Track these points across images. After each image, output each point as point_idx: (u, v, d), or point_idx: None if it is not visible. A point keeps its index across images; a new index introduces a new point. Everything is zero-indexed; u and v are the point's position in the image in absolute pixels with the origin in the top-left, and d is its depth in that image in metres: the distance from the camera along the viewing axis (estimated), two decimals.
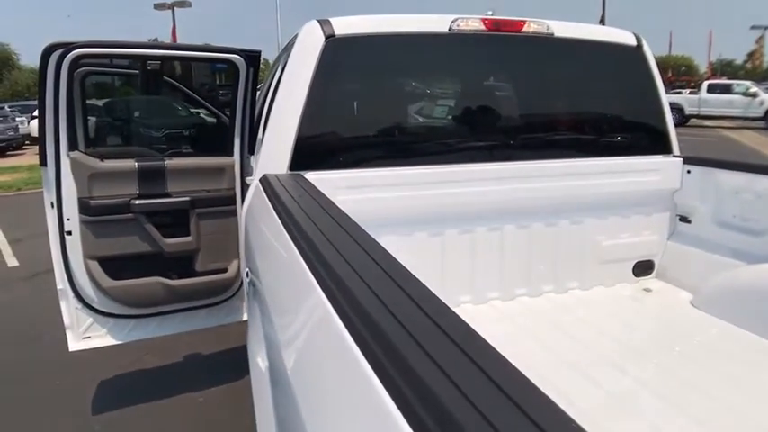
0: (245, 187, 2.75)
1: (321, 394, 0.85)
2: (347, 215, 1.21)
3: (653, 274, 2.70)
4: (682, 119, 21.03)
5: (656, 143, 2.65)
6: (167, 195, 2.63)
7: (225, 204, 2.75)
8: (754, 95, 21.00)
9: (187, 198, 2.64)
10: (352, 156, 2.13)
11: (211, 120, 3.75)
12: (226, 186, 2.75)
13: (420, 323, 0.73)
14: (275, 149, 1.97)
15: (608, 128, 2.64)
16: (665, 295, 2.53)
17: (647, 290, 2.58)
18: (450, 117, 2.54)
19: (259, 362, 1.36)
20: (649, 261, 2.69)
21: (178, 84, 3.41)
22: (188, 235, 2.70)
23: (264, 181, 1.80)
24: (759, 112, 20.59)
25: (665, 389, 1.67)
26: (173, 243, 2.67)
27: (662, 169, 2.60)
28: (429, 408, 0.57)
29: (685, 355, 1.91)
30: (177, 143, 4.11)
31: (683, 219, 2.67)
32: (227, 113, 2.81)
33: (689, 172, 2.61)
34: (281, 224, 1.24)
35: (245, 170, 2.79)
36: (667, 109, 2.67)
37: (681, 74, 51.83)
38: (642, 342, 2.04)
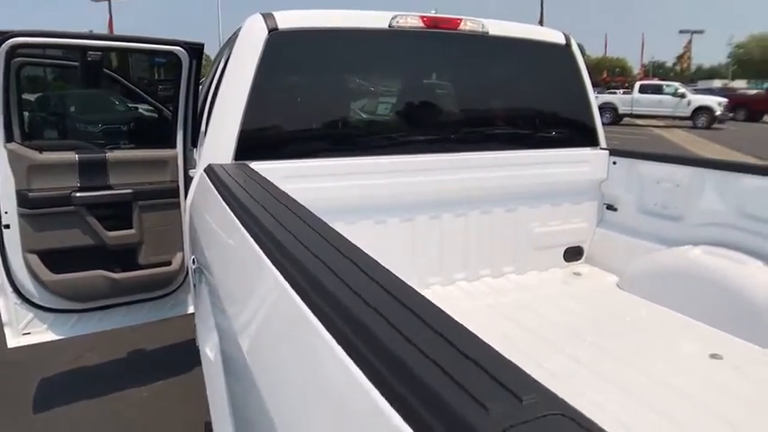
0: (188, 179, 2.77)
1: (284, 375, 0.86)
2: (295, 200, 1.28)
3: (582, 259, 2.89)
4: (615, 117, 22.03)
5: (584, 136, 2.83)
6: (109, 188, 2.62)
7: (168, 197, 2.77)
8: (683, 96, 22.23)
9: (129, 190, 2.64)
10: (296, 147, 2.20)
11: (151, 114, 3.73)
12: (169, 179, 2.76)
13: (376, 293, 0.77)
14: (220, 140, 2.02)
15: (539, 122, 2.81)
16: (593, 278, 2.73)
17: (577, 274, 2.77)
18: (389, 110, 2.65)
19: (209, 351, 1.39)
20: (579, 247, 2.88)
21: (120, 77, 3.37)
22: (131, 227, 2.70)
23: (209, 170, 1.85)
24: (687, 112, 21.81)
25: (600, 365, 1.81)
26: (115, 236, 2.66)
27: (590, 161, 2.79)
28: (395, 372, 0.60)
29: (615, 334, 2.07)
30: (115, 138, 4.05)
31: (610, 207, 2.87)
32: (169, 108, 2.82)
33: (615, 163, 2.81)
34: (229, 210, 1.29)
35: (189, 162, 2.82)
36: (594, 104, 2.87)
37: (615, 75, 54.03)
38: (574, 322, 2.19)
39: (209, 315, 1.39)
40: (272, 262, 0.97)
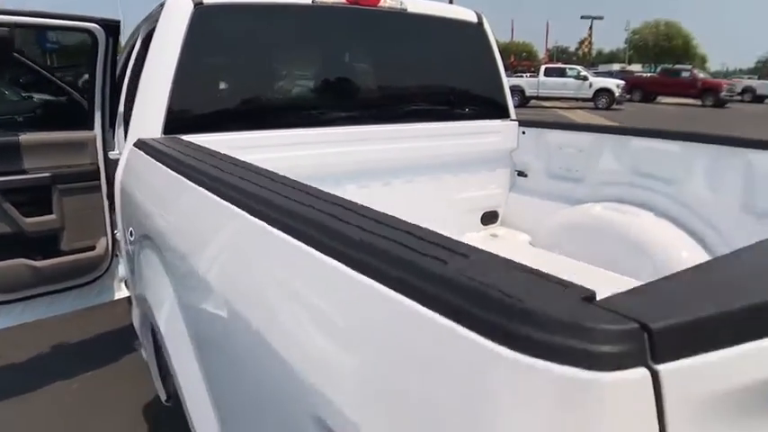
0: (108, 162, 2.76)
1: (275, 315, 0.85)
2: (236, 158, 1.38)
3: (498, 222, 3.15)
4: (523, 100, 23.06)
5: (495, 109, 3.07)
6: (24, 172, 2.56)
7: (89, 179, 2.74)
8: (585, 79, 23.59)
9: (47, 174, 2.59)
10: (222, 120, 2.26)
11: (52, 98, 3.59)
12: (89, 161, 2.73)
13: (363, 222, 0.81)
14: (147, 115, 2.05)
15: (455, 95, 3.02)
16: (508, 239, 2.98)
17: (494, 235, 3.02)
18: (314, 85, 2.75)
19: (171, 328, 1.34)
20: (495, 211, 3.13)
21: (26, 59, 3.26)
22: (51, 213, 2.65)
23: (141, 144, 1.89)
24: (588, 94, 23.18)
25: None
26: (34, 222, 2.60)
27: (501, 131, 3.04)
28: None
29: None
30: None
31: (521, 173, 3.14)
32: (78, 91, 2.77)
33: (524, 133, 3.07)
34: (178, 175, 1.36)
35: (108, 144, 2.80)
36: (504, 79, 3.10)
37: (522, 59, 56.27)
38: None
39: (167, 289, 1.37)
40: (247, 212, 0.98)
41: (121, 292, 3.03)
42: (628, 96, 24.63)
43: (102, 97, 2.70)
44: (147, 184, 1.70)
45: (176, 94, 2.03)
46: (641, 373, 0.44)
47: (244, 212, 0.98)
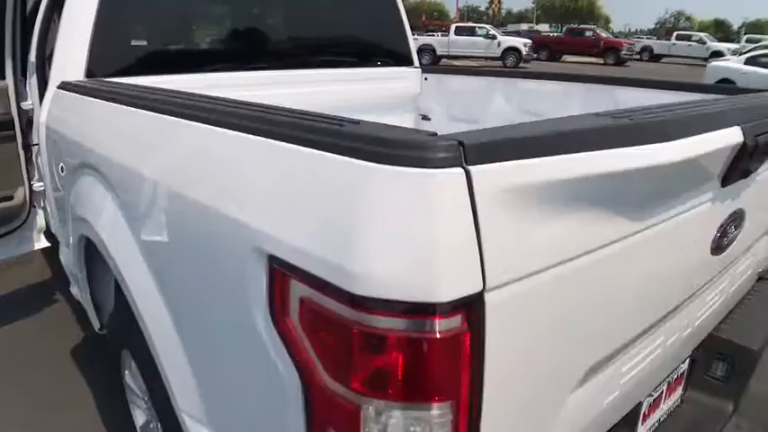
0: (21, 112, 2.82)
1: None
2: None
3: None
4: (434, 59, 23.56)
5: (400, 56, 3.36)
6: None
7: (2, 129, 2.79)
8: (494, 38, 24.37)
9: None
10: (139, 64, 2.38)
11: None
12: (1, 111, 2.78)
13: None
14: (68, 59, 2.17)
15: (363, 44, 3.28)
16: None
17: None
18: (228, 30, 2.91)
19: (115, 238, 1.49)
20: None
21: None
22: None
23: (68, 85, 2.03)
24: (497, 53, 24.01)
25: None
26: None
27: (406, 77, 3.34)
28: None
29: None
30: None
31: (425, 117, 3.46)
32: None
33: (426, 79, 3.38)
34: (119, 105, 1.55)
35: (20, 94, 2.85)
36: (408, 29, 3.39)
37: (433, 18, 56.85)
38: None
39: (110, 203, 1.51)
40: (193, 119, 1.18)
41: (41, 243, 3.12)
42: (535, 55, 25.71)
43: (12, 45, 2.73)
44: (83, 117, 1.86)
45: (96, 39, 2.16)
46: (459, 170, 0.74)
47: (184, 120, 1.22)
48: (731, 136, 1.19)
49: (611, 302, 1.04)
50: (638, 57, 30.71)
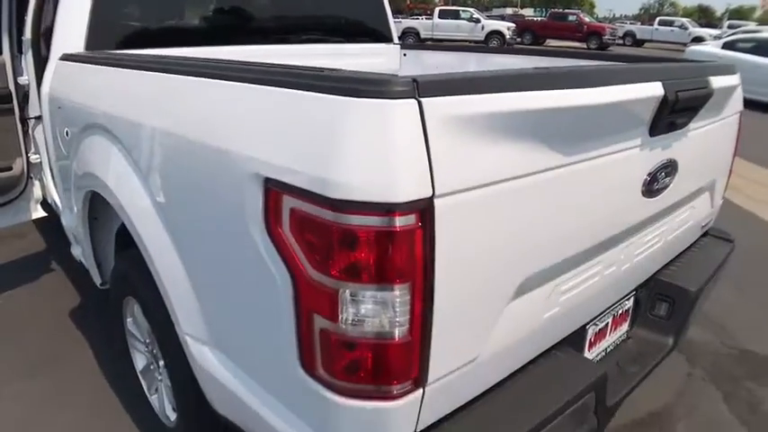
0: (18, 87, 2.99)
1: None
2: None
3: None
4: (418, 41, 23.70)
5: (380, 34, 3.58)
6: None
7: (2, 102, 2.96)
8: (477, 21, 24.55)
9: None
10: (136, 38, 2.57)
11: None
12: (0, 85, 2.96)
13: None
14: (69, 33, 2.36)
15: (346, 21, 3.49)
16: None
17: None
18: (216, 6, 3.10)
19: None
20: None
21: None
22: None
23: (71, 56, 2.23)
24: (481, 36, 24.19)
25: None
26: None
27: (386, 53, 3.55)
28: None
29: None
30: None
31: None
32: None
33: (405, 55, 3.60)
34: (127, 69, 1.76)
35: (17, 70, 3.02)
36: (388, 8, 3.60)
37: (418, 2, 56.84)
38: None
39: (120, 159, 1.69)
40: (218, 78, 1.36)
41: (38, 212, 3.30)
42: (518, 39, 25.93)
43: (9, 23, 2.90)
44: (91, 83, 2.05)
45: (94, 14, 2.35)
46: (413, 101, 0.97)
47: (191, 77, 1.44)
48: (652, 89, 1.42)
49: (544, 224, 1.27)
50: (620, 42, 31.06)
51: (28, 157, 3.10)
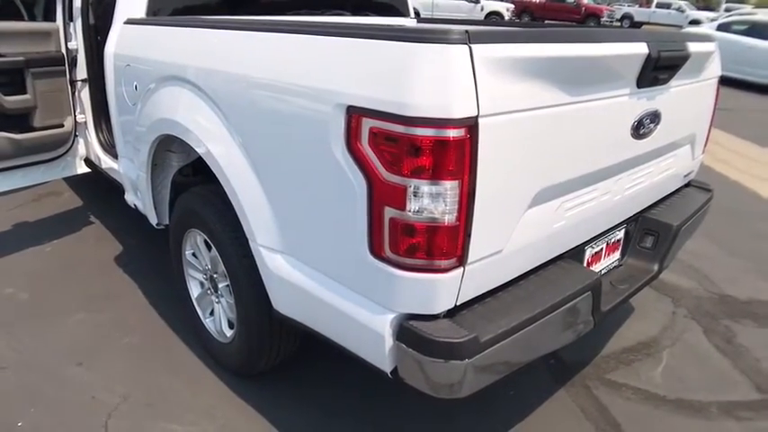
0: (69, 51, 3.35)
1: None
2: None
3: None
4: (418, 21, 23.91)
5: (398, 9, 3.96)
6: (1, 56, 3.10)
7: (56, 64, 3.31)
8: (477, 1, 24.82)
9: (22, 58, 3.15)
10: (187, 8, 2.94)
11: None
12: (54, 49, 3.31)
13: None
14: (131, 1, 2.73)
15: None
16: None
17: None
18: None
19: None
20: None
21: None
22: (25, 93, 3.22)
23: (137, 20, 2.60)
24: (480, 16, 24.45)
25: None
26: (12, 100, 3.16)
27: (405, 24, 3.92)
28: None
29: None
30: None
31: None
32: None
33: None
34: (203, 28, 2.15)
35: (67, 36, 3.37)
36: None
37: None
38: None
39: (198, 100, 2.06)
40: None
41: (82, 168, 3.67)
42: (517, 20, 26.22)
43: None
44: (165, 42, 2.41)
45: None
46: (465, 46, 1.36)
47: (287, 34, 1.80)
48: (639, 48, 1.82)
49: (554, 148, 1.67)
50: (618, 23, 31.44)
51: (76, 116, 3.46)
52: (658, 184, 2.42)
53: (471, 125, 1.38)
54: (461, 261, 1.51)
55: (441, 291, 1.52)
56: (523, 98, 1.50)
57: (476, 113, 1.38)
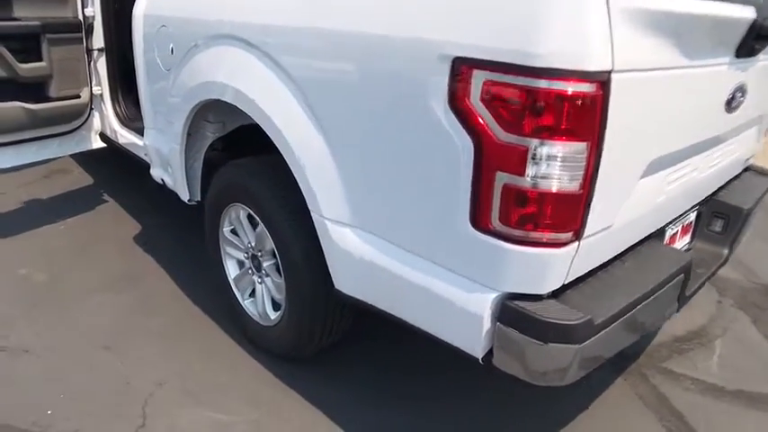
0: (85, 18, 3.13)
1: None
2: None
3: None
4: None
5: None
6: (16, 20, 2.88)
7: (73, 31, 3.09)
8: None
9: (38, 22, 2.93)
10: None
11: None
12: (71, 15, 3.08)
13: None
14: None
15: None
16: None
17: None
18: None
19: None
20: None
21: None
22: (41, 61, 3.00)
23: None
24: None
25: None
26: (27, 68, 2.94)
27: None
28: None
29: None
30: None
31: None
32: None
33: None
34: None
35: (84, 2, 3.14)
36: None
37: None
38: None
39: (250, 58, 1.85)
40: None
41: (97, 143, 3.46)
42: None
43: None
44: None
45: None
46: None
47: None
48: (747, 12, 1.65)
49: (669, 114, 1.52)
50: None
51: (92, 89, 3.25)
52: (729, 165, 2.28)
53: (604, 80, 1.22)
54: (578, 235, 1.35)
55: (554, 267, 1.37)
56: (652, 56, 1.34)
57: (610, 68, 1.22)
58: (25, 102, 2.97)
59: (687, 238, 2.27)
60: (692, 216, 2.23)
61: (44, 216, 3.49)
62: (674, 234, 2.11)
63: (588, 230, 1.37)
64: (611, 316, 1.41)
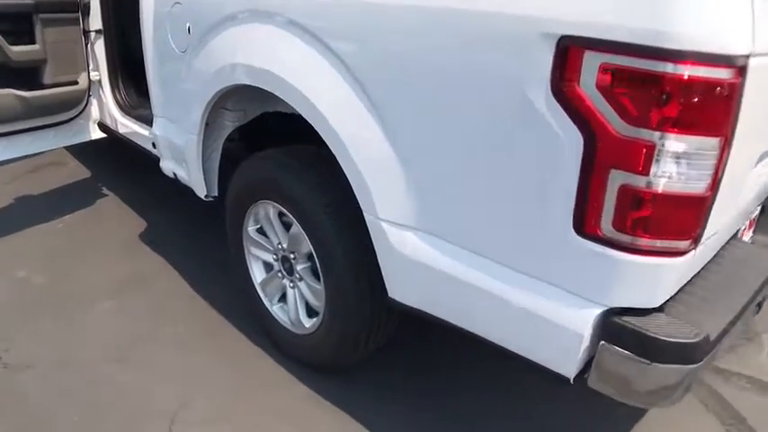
0: None
1: None
2: None
3: None
4: None
5: None
6: None
7: (69, 11, 2.84)
8: None
9: (31, 1, 2.67)
10: None
11: None
12: None
13: None
14: None
15: None
16: None
17: None
18: None
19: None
20: None
21: None
22: (34, 43, 2.74)
23: None
24: None
25: None
26: (19, 51, 2.68)
27: None
28: None
29: None
30: None
31: None
32: None
33: None
34: None
35: None
36: None
37: None
38: None
39: (316, 62, 1.60)
40: None
41: (96, 134, 3.22)
42: None
43: None
44: None
45: None
46: None
47: None
48: None
49: None
50: None
51: (90, 75, 3.01)
52: None
53: (742, 66, 1.05)
54: (696, 242, 1.19)
55: (670, 278, 1.20)
56: None
57: (749, 51, 1.04)
58: (18, 89, 2.72)
59: (751, 231, 2.13)
60: (756, 212, 2.09)
61: (39, 214, 3.24)
62: (743, 229, 1.96)
63: (705, 236, 1.21)
64: (723, 330, 1.26)
